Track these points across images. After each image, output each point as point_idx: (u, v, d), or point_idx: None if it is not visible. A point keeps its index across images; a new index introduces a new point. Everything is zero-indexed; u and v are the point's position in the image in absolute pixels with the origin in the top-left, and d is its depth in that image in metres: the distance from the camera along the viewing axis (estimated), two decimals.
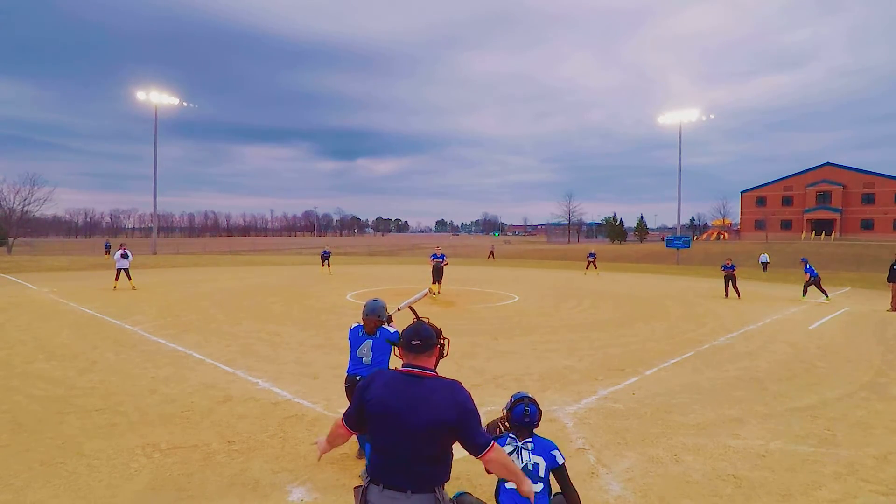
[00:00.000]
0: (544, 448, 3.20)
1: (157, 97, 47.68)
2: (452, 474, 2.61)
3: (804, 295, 19.75)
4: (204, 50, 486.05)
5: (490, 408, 6.26)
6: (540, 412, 3.35)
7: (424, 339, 2.54)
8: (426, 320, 2.73)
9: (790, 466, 5.02)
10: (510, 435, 3.27)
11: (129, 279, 19.55)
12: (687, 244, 48.80)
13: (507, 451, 3.19)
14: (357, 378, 4.71)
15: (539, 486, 3.08)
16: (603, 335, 11.77)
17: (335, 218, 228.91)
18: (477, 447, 2.43)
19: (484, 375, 8.17)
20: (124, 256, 19.64)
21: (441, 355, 2.70)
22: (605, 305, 17.08)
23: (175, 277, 25.68)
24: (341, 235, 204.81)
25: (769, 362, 9.36)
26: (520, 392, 3.46)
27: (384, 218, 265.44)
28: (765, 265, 35.16)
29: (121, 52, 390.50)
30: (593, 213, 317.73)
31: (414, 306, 4.57)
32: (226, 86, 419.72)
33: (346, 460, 5.02)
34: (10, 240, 52.68)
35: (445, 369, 8.86)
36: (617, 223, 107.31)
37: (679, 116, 48.23)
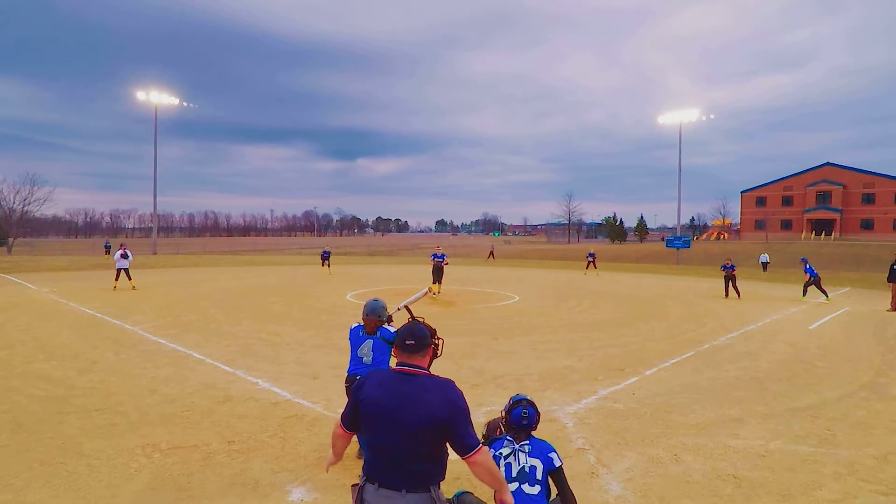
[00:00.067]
0: (541, 450, 3.20)
1: (157, 97, 47.68)
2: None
3: (804, 295, 19.76)
4: (204, 50, 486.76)
5: (490, 408, 6.25)
6: (538, 414, 3.35)
7: (419, 338, 2.54)
8: (421, 320, 2.74)
9: (790, 466, 5.02)
10: (507, 437, 3.27)
11: (129, 279, 19.55)
12: (687, 244, 48.80)
13: (505, 454, 3.19)
14: (357, 378, 4.71)
15: (536, 489, 3.08)
16: (603, 335, 11.77)
17: (335, 218, 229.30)
18: (465, 447, 2.40)
19: (484, 375, 8.17)
20: (124, 256, 19.64)
21: (435, 355, 2.71)
22: (605, 305, 17.08)
23: (175, 277, 25.68)
24: (341, 235, 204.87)
25: (769, 362, 9.36)
26: (518, 394, 3.47)
27: (384, 218, 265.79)
28: (765, 265, 35.17)
29: (121, 52, 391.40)
30: (593, 213, 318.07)
31: (410, 306, 4.57)
32: (226, 86, 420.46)
33: (346, 460, 5.00)
34: (10, 240, 52.68)
35: (446, 369, 8.80)
36: (617, 223, 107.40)
37: (679, 116, 48.23)
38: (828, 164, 77.25)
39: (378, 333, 4.78)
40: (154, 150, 48.73)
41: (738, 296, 19.46)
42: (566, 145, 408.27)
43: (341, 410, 2.70)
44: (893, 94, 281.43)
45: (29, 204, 55.72)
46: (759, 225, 78.76)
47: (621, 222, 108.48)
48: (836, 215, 73.84)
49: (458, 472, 4.22)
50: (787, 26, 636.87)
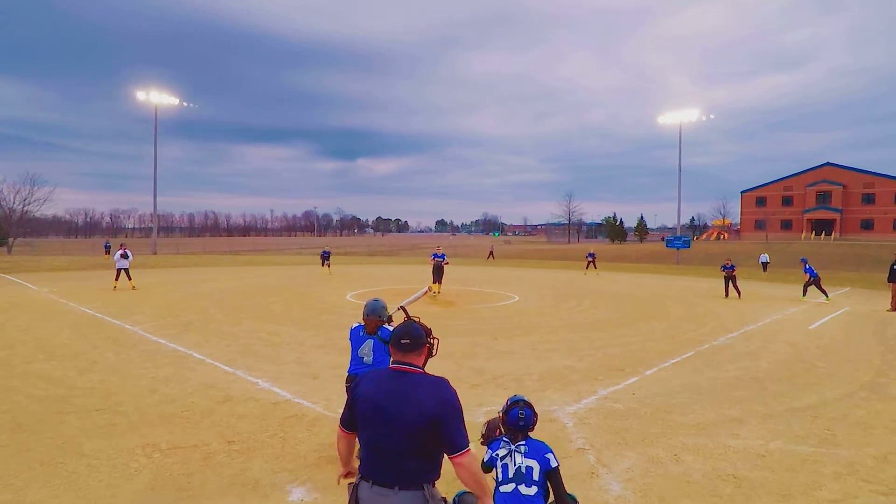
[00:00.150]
0: (538, 451, 3.20)
1: (157, 97, 47.69)
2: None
3: (804, 295, 19.76)
4: (204, 50, 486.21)
5: (489, 408, 6.25)
6: (535, 416, 3.35)
7: (414, 338, 2.56)
8: (417, 319, 2.75)
9: (790, 466, 5.02)
10: (504, 438, 3.27)
11: (129, 279, 19.55)
12: (687, 244, 48.80)
13: (501, 455, 3.19)
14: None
15: (533, 490, 3.08)
16: (603, 335, 11.77)
17: (335, 218, 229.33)
18: (453, 446, 2.39)
19: (484, 375, 8.16)
20: (124, 256, 19.65)
21: (430, 354, 2.71)
22: (605, 305, 17.09)
23: (175, 277, 25.69)
24: (341, 235, 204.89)
25: (769, 362, 9.37)
26: (515, 395, 3.46)
27: (384, 218, 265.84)
28: (765, 265, 35.16)
29: (121, 52, 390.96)
30: (593, 213, 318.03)
31: (408, 305, 4.57)
32: (226, 86, 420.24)
33: None
34: (10, 240, 52.70)
35: (446, 369, 8.80)
36: (617, 223, 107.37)
37: (679, 116, 48.23)
38: (828, 164, 77.26)
39: (378, 333, 4.78)
40: (154, 150, 48.80)
41: (739, 295, 19.47)
42: (566, 145, 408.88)
43: (341, 411, 2.71)
44: (893, 94, 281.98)
45: (29, 204, 55.90)
46: (759, 225, 78.75)
47: (621, 222, 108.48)
48: (836, 215, 73.85)
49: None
50: (787, 26, 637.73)
